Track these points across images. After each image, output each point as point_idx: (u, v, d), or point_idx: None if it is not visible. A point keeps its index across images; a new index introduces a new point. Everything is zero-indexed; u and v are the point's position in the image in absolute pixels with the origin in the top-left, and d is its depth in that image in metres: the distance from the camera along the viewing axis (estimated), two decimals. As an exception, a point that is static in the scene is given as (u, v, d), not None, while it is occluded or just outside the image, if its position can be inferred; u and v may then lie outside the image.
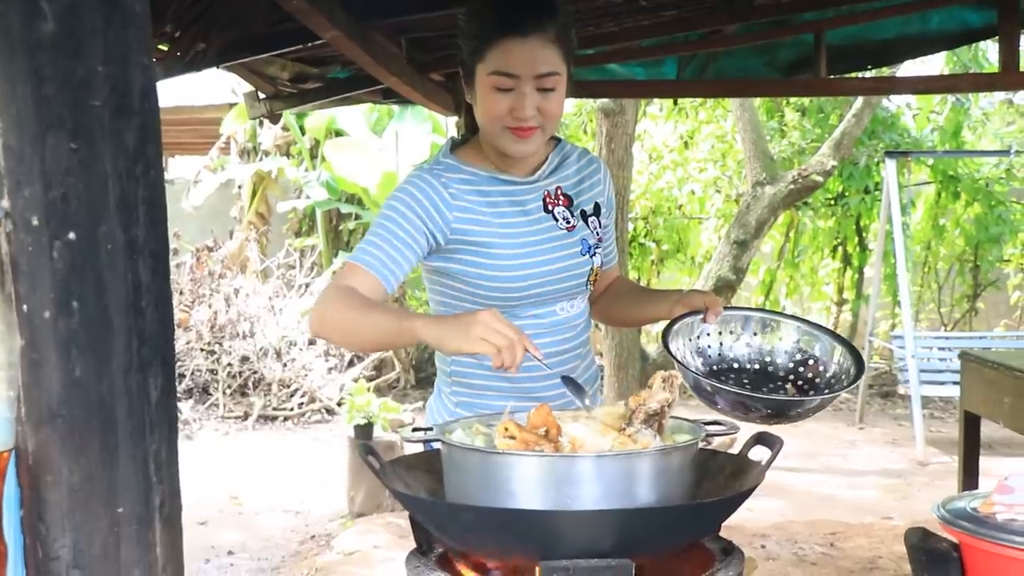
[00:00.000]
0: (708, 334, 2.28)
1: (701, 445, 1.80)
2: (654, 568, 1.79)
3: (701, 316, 2.24)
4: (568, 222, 2.27)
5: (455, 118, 4.88)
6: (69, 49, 1.24)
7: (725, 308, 2.28)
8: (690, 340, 2.27)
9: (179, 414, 8.63)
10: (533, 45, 2.07)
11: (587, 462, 1.58)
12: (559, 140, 2.36)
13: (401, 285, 2.34)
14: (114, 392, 1.31)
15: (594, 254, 2.29)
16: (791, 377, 2.25)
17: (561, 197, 2.29)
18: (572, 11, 2.20)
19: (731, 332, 2.30)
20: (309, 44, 3.55)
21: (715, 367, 2.27)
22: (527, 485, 1.57)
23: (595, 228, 2.32)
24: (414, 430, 1.79)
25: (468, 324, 1.83)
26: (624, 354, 7.05)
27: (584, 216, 2.31)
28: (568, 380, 2.02)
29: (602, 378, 7.65)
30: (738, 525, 5.45)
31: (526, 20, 2.07)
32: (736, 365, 2.28)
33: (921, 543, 1.78)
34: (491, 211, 2.21)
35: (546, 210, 2.26)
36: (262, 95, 4.53)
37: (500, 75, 2.08)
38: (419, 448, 2.08)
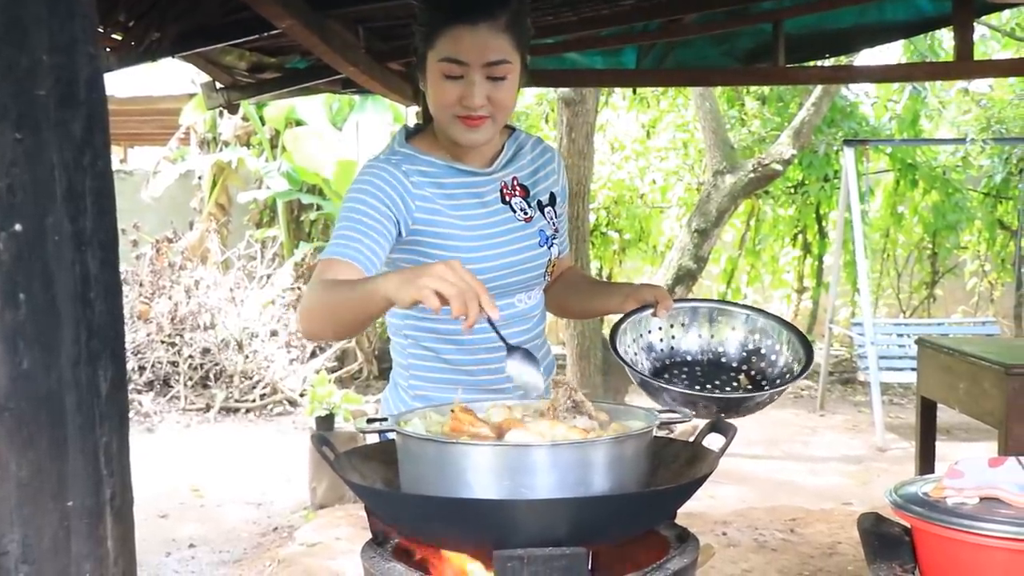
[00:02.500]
0: (660, 328, 2.29)
1: (657, 433, 1.81)
2: (609, 555, 1.80)
3: (651, 311, 2.23)
4: (525, 213, 2.26)
5: (415, 108, 4.87)
6: (13, 39, 1.23)
7: (675, 301, 2.27)
8: (640, 336, 2.27)
9: (140, 407, 8.59)
10: (483, 33, 2.05)
11: (541, 451, 1.59)
12: (514, 129, 2.35)
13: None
14: (63, 385, 1.29)
15: (551, 244, 2.29)
16: (744, 367, 2.26)
17: (517, 188, 2.28)
18: (526, 0, 2.18)
19: (681, 325, 2.30)
20: (265, 34, 3.52)
21: (667, 361, 2.27)
22: (481, 474, 1.57)
23: (551, 218, 2.31)
24: (369, 421, 1.78)
25: (419, 273, 1.75)
26: (586, 343, 7.07)
27: (540, 207, 2.30)
28: (518, 350, 1.92)
29: (559, 367, 7.68)
30: (699, 512, 5.49)
31: (476, 8, 2.06)
32: (688, 358, 2.29)
33: (874, 528, 1.80)
34: (449, 203, 2.19)
35: (503, 201, 2.25)
36: (220, 85, 4.49)
37: (449, 62, 2.07)
38: (377, 439, 2.08)
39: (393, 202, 2.12)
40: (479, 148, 2.22)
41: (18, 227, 1.25)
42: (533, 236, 2.25)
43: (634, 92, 10.49)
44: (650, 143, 11.40)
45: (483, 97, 2.08)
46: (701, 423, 1.95)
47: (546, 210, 2.31)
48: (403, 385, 2.31)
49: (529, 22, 2.17)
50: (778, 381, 2.19)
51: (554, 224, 2.32)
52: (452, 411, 1.75)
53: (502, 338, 1.86)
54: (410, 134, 2.30)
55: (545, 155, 2.37)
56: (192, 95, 10.18)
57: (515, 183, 2.28)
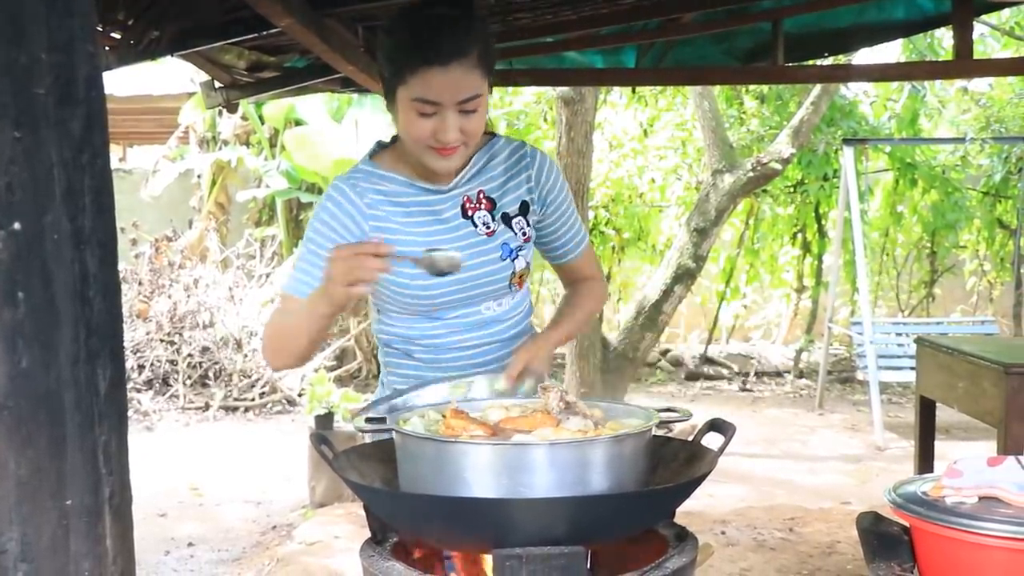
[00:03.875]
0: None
1: (656, 432, 1.81)
2: (608, 554, 1.80)
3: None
4: (488, 227, 2.25)
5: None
6: (11, 36, 1.23)
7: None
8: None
9: (139, 405, 8.59)
10: (455, 73, 2.04)
11: (540, 450, 1.59)
12: (493, 136, 2.34)
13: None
14: (62, 383, 1.29)
15: (516, 257, 2.26)
16: None
17: (483, 201, 2.26)
18: (490, 28, 2.19)
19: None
20: (265, 33, 3.52)
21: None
22: (480, 473, 1.58)
23: (521, 228, 2.28)
24: (367, 420, 1.78)
25: (325, 279, 1.98)
26: (585, 343, 7.06)
27: (507, 219, 2.27)
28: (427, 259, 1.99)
29: (559, 366, 7.67)
30: (698, 511, 5.48)
31: (448, 50, 2.03)
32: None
33: (872, 527, 1.80)
34: (406, 220, 2.22)
35: (465, 215, 2.24)
36: (219, 84, 4.48)
37: (422, 103, 2.06)
38: (378, 437, 2.09)
39: (345, 227, 2.19)
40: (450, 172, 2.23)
41: (17, 226, 1.25)
42: (494, 251, 2.24)
43: (633, 91, 10.50)
44: (649, 141, 11.39)
45: (456, 132, 2.08)
46: (700, 422, 1.95)
47: (514, 221, 2.28)
48: (385, 382, 2.39)
49: (493, 46, 2.17)
50: None
51: (524, 234, 2.29)
52: (443, 416, 1.75)
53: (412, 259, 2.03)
54: (376, 151, 2.31)
55: (521, 162, 2.32)
56: (191, 94, 10.18)
57: (480, 196, 2.26)
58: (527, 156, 2.33)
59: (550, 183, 2.34)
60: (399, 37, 2.10)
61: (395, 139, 2.30)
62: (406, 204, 2.23)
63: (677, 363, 11.53)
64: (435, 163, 2.15)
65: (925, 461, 5.23)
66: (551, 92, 9.07)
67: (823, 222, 11.39)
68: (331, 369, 9.39)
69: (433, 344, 2.29)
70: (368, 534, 1.83)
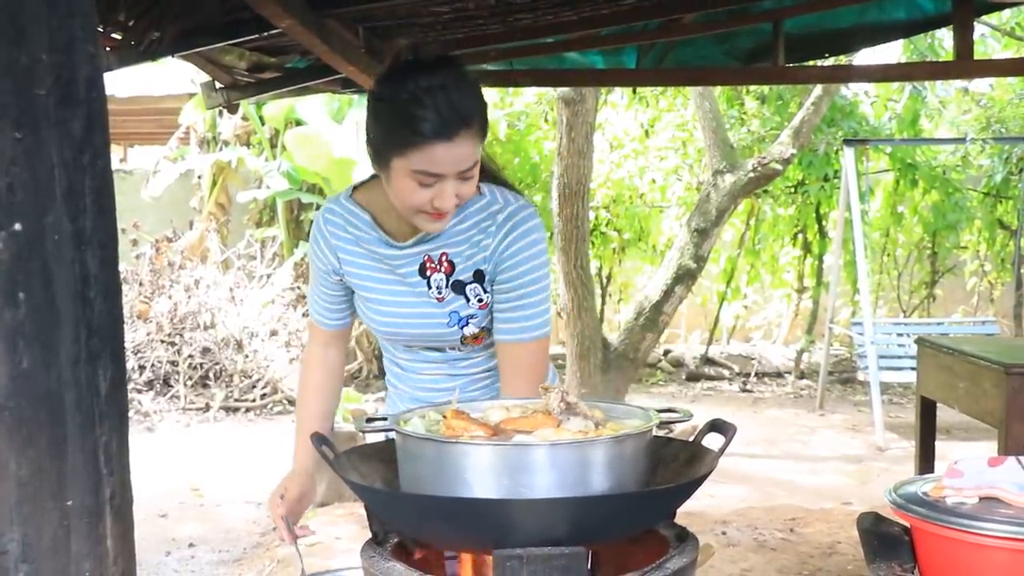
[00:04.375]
0: None
1: (657, 433, 1.81)
2: (608, 555, 1.80)
3: None
4: (440, 292, 2.19)
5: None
6: (12, 37, 1.23)
7: None
8: None
9: (139, 406, 8.59)
10: (459, 145, 1.98)
11: (541, 450, 1.59)
12: (480, 193, 2.19)
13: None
14: (62, 384, 1.29)
15: (466, 324, 2.20)
16: None
17: (444, 264, 2.19)
18: (480, 87, 2.09)
19: None
20: (265, 33, 3.52)
21: None
22: (481, 474, 1.57)
23: (476, 295, 2.19)
24: (368, 420, 1.78)
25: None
26: (586, 343, 7.06)
27: (459, 287, 2.19)
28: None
29: (559, 367, 7.66)
30: (699, 512, 5.49)
31: (453, 124, 1.97)
32: None
33: (873, 527, 1.80)
34: (368, 263, 2.25)
35: (423, 274, 2.20)
36: (219, 85, 4.49)
37: (425, 175, 2.00)
38: (379, 437, 2.09)
39: (325, 257, 2.30)
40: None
41: (18, 226, 1.25)
42: (443, 316, 2.21)
43: (634, 91, 10.50)
44: (649, 142, 11.39)
45: (453, 198, 2.03)
46: (700, 423, 1.94)
47: (468, 288, 2.19)
48: (388, 394, 2.50)
49: (485, 104, 2.09)
50: None
51: (480, 301, 2.19)
52: (444, 416, 1.75)
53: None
54: (360, 184, 2.31)
55: (488, 229, 2.17)
56: (192, 95, 10.18)
57: (443, 258, 2.20)
58: (495, 223, 2.17)
59: (507, 254, 2.17)
60: (398, 109, 2.01)
61: (376, 176, 2.21)
62: (369, 252, 2.25)
63: (678, 364, 11.53)
64: (428, 226, 2.11)
65: (926, 461, 5.23)
66: (552, 93, 9.07)
67: (824, 222, 11.39)
68: (332, 370, 9.38)
69: (405, 365, 2.37)
70: (369, 535, 1.83)
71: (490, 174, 2.23)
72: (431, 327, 2.22)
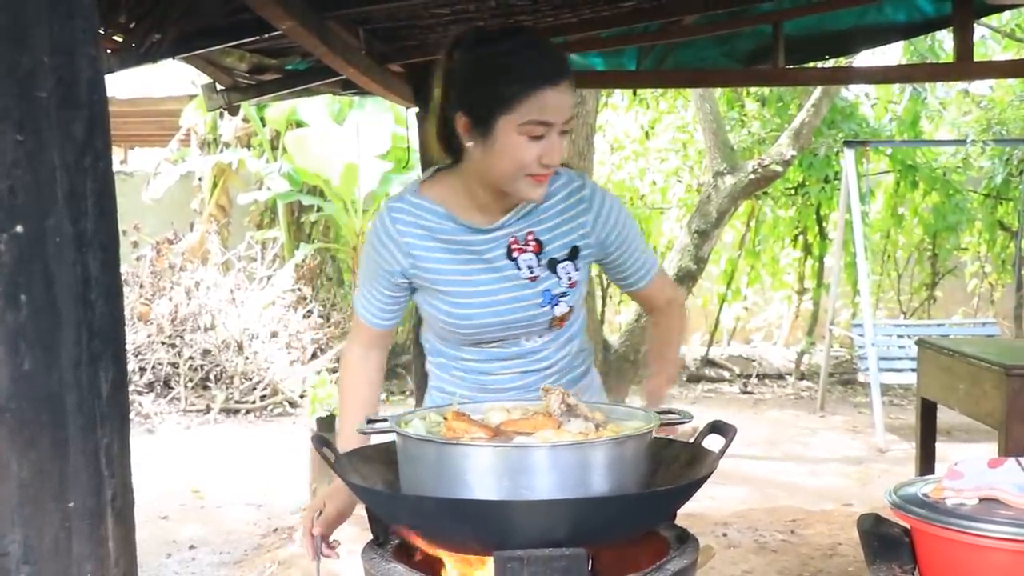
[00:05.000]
0: None
1: (658, 434, 1.81)
2: (609, 556, 1.80)
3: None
4: (531, 271, 2.20)
5: (415, 109, 4.87)
6: (13, 39, 1.23)
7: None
8: None
9: (140, 408, 8.59)
10: (564, 91, 2.04)
11: (541, 452, 1.59)
12: (555, 175, 2.22)
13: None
14: (64, 386, 1.30)
15: (558, 303, 2.21)
16: None
17: (531, 243, 2.20)
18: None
19: None
20: (266, 35, 3.53)
21: None
22: (481, 475, 1.58)
23: (567, 274, 2.22)
24: (369, 421, 1.79)
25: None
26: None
27: (552, 264, 2.21)
28: None
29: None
30: (700, 513, 5.49)
31: (556, 69, 2.04)
32: None
33: (873, 529, 1.81)
34: (447, 256, 2.21)
35: (510, 257, 2.20)
36: (220, 87, 4.50)
37: (534, 124, 2.02)
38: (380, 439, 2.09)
39: (385, 259, 2.24)
40: (496, 199, 2.18)
41: (19, 228, 1.25)
42: (535, 296, 2.20)
43: (634, 93, 10.50)
44: (650, 144, 11.39)
45: (560, 153, 2.06)
46: (701, 424, 1.95)
47: (560, 267, 2.21)
48: (430, 392, 2.43)
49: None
50: None
51: (571, 279, 2.22)
52: (445, 418, 1.75)
53: None
54: (426, 179, 2.29)
55: (580, 205, 2.24)
56: (192, 96, 10.18)
57: (529, 238, 2.21)
58: (585, 200, 2.24)
59: (609, 225, 2.26)
60: (502, 63, 2.05)
61: (439, 169, 2.26)
62: (448, 241, 2.21)
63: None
64: (531, 191, 2.10)
65: (926, 463, 5.23)
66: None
67: (824, 224, 11.39)
68: (333, 371, 9.38)
69: (473, 368, 2.30)
70: (370, 536, 1.83)
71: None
72: (523, 310, 2.21)
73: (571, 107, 2.07)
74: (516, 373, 2.27)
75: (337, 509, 2.14)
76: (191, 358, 9.41)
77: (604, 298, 11.21)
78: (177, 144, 11.10)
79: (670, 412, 1.87)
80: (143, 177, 11.35)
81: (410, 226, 2.21)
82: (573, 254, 2.23)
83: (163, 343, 9.44)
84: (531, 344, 2.26)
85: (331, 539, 2.16)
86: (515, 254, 2.20)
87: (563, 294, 2.22)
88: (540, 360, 2.28)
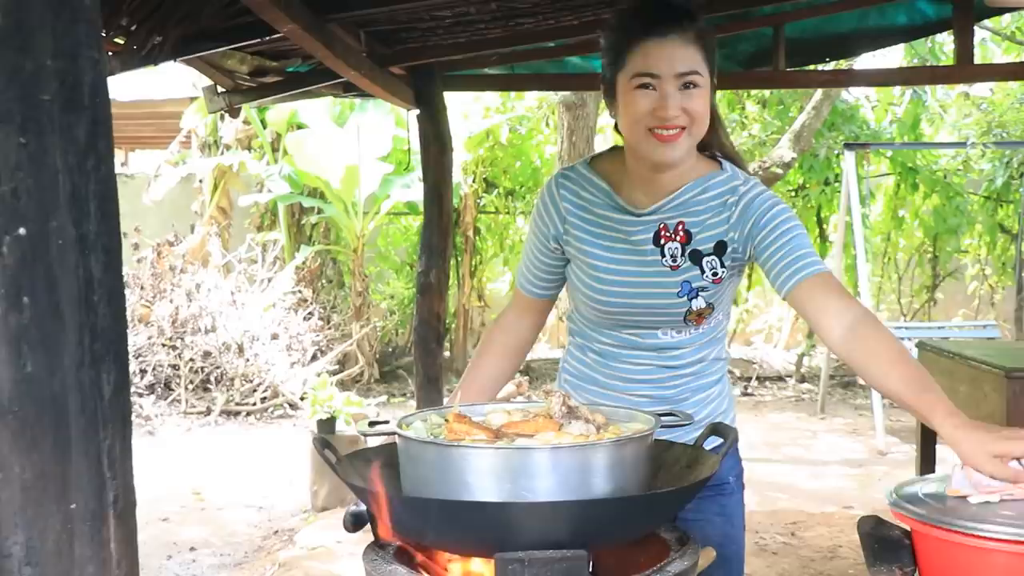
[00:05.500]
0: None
1: (659, 437, 1.81)
2: (610, 558, 1.80)
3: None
4: (674, 260, 2.19)
5: (416, 111, 4.87)
6: (17, 43, 1.23)
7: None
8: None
9: (141, 410, 8.59)
10: (673, 44, 2.06)
11: (543, 453, 1.59)
12: (720, 170, 2.23)
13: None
14: (66, 388, 1.30)
15: (696, 296, 2.19)
16: None
17: (680, 233, 2.19)
18: (711, 24, 2.21)
19: None
20: (267, 38, 3.53)
21: None
22: (482, 477, 1.58)
23: (712, 268, 2.19)
24: (371, 424, 1.79)
25: None
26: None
27: (697, 257, 2.19)
28: None
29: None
30: (700, 515, 5.48)
31: (664, 20, 2.08)
32: None
33: (874, 531, 1.80)
34: (596, 230, 2.25)
35: (657, 243, 2.20)
36: (221, 89, 4.50)
37: (641, 76, 2.07)
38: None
39: (545, 223, 2.31)
40: (655, 179, 2.18)
41: (22, 231, 1.25)
42: (674, 286, 2.19)
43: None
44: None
45: (677, 108, 2.06)
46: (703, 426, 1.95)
47: (705, 260, 2.18)
48: (561, 369, 2.46)
49: (714, 42, 2.17)
50: None
51: (715, 275, 2.19)
52: (446, 420, 1.75)
53: None
54: (602, 154, 2.36)
55: (729, 201, 2.19)
56: (193, 98, 10.19)
57: (680, 228, 2.20)
58: (737, 193, 2.19)
59: (753, 219, 2.16)
60: (618, 23, 2.17)
61: (618, 147, 2.31)
62: (599, 216, 2.24)
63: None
64: (656, 151, 2.10)
65: (927, 465, 5.24)
66: (553, 97, 9.08)
67: (824, 226, 11.40)
68: (333, 374, 9.39)
69: (609, 352, 2.30)
70: (371, 538, 1.84)
71: (729, 156, 2.29)
72: (658, 296, 2.20)
73: (686, 60, 2.07)
74: (648, 365, 2.26)
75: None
76: (192, 360, 9.42)
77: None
78: (178, 146, 11.12)
79: (671, 415, 1.88)
80: (144, 179, 11.37)
81: (572, 194, 2.28)
82: (720, 249, 2.19)
83: (164, 345, 9.45)
84: (667, 338, 2.25)
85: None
86: (662, 241, 2.20)
87: (703, 288, 2.20)
88: (675, 358, 2.26)
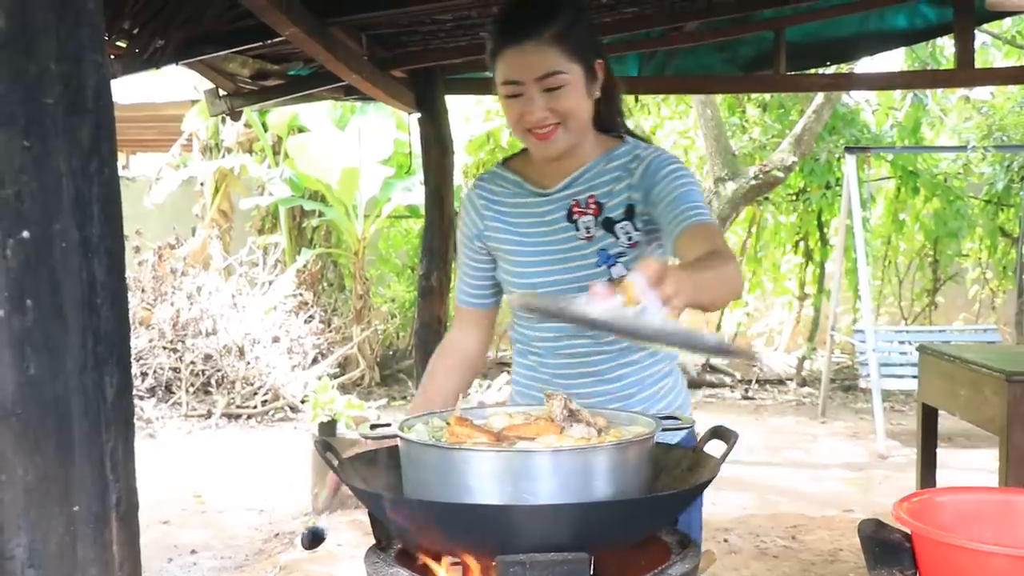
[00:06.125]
0: None
1: (660, 440, 1.81)
2: (611, 561, 1.80)
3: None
4: (588, 232, 2.24)
5: (417, 114, 4.88)
6: (21, 47, 1.24)
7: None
8: None
9: (142, 413, 8.59)
10: (528, 50, 2.11)
11: (544, 456, 1.60)
12: (623, 141, 2.30)
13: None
14: (69, 390, 1.30)
15: (615, 263, 2.21)
16: None
17: (591, 206, 2.25)
18: (580, 9, 2.23)
19: None
20: (269, 41, 3.54)
21: None
22: (484, 480, 1.58)
23: (626, 233, 2.22)
24: (373, 427, 1.79)
25: None
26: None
27: (609, 224, 2.23)
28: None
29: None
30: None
31: (517, 28, 2.12)
32: None
33: (874, 534, 1.81)
34: (515, 220, 2.32)
35: (570, 219, 2.26)
36: (223, 92, 4.51)
37: (506, 84, 2.15)
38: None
39: (469, 229, 2.38)
40: (558, 163, 2.25)
41: (26, 234, 1.26)
42: (591, 256, 2.23)
43: (636, 99, 10.52)
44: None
45: (542, 110, 2.13)
46: (702, 430, 1.95)
47: (618, 226, 2.23)
48: (512, 380, 2.49)
49: (588, 31, 2.21)
50: None
51: (630, 239, 2.21)
52: (448, 423, 1.76)
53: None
54: (513, 155, 2.42)
55: (631, 164, 2.24)
56: (195, 101, 10.19)
57: (591, 200, 2.25)
58: (637, 159, 2.25)
59: (648, 176, 2.21)
60: (488, 35, 2.21)
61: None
62: (513, 205, 2.33)
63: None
64: (536, 149, 2.22)
65: (927, 469, 5.23)
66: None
67: (825, 230, 11.40)
68: (334, 377, 9.40)
69: (543, 347, 2.34)
70: (372, 541, 1.84)
71: (630, 133, 2.36)
72: (577, 270, 2.23)
73: (544, 63, 2.10)
74: (588, 354, 2.27)
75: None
76: (193, 363, 9.42)
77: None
78: (179, 149, 11.12)
79: (672, 418, 1.88)
80: (145, 182, 11.37)
81: (487, 191, 2.37)
82: (629, 213, 2.23)
83: (165, 348, 9.45)
84: None
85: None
86: (575, 216, 2.26)
87: (621, 254, 2.22)
88: (614, 341, 2.25)
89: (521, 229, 2.31)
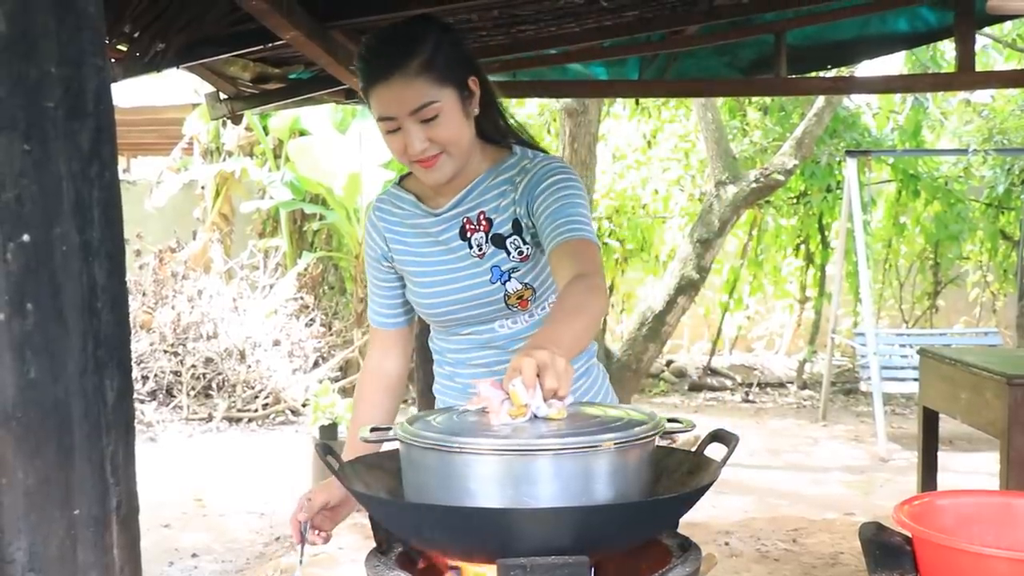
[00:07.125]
0: None
1: (660, 443, 1.81)
2: (612, 564, 1.80)
3: None
4: (480, 249, 2.25)
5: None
6: (21, 50, 1.24)
7: None
8: None
9: (143, 416, 8.59)
10: (396, 85, 2.08)
11: (545, 459, 1.59)
12: (511, 152, 2.29)
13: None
14: (70, 394, 1.30)
15: (508, 279, 2.22)
16: None
17: (483, 222, 2.26)
18: (444, 30, 2.17)
19: None
20: (269, 45, 3.54)
21: None
22: (484, 483, 1.58)
23: (517, 248, 2.22)
24: (372, 430, 1.79)
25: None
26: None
27: (500, 240, 2.24)
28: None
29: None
30: (702, 522, 5.49)
31: (383, 63, 2.09)
32: None
33: (875, 537, 1.81)
34: (413, 240, 2.32)
35: (464, 237, 2.26)
36: (223, 96, 4.50)
37: (382, 120, 2.13)
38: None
39: (373, 249, 2.39)
40: (449, 184, 2.24)
41: (26, 237, 1.26)
42: (484, 273, 2.24)
43: (636, 103, 10.52)
44: (652, 153, 11.40)
45: (422, 141, 2.11)
46: (703, 433, 1.95)
47: (508, 241, 2.23)
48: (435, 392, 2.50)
49: (455, 51, 2.15)
50: None
51: (521, 254, 2.22)
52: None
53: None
54: (408, 173, 2.37)
55: (517, 177, 2.24)
56: (195, 105, 10.19)
57: (481, 217, 2.26)
58: (522, 172, 2.23)
59: (530, 189, 2.19)
60: (357, 67, 2.18)
61: None
62: (411, 226, 2.33)
63: (680, 374, 11.53)
64: (424, 176, 2.20)
65: (928, 472, 5.23)
66: (555, 104, 9.09)
67: (826, 233, 11.40)
68: (335, 380, 9.40)
69: (455, 359, 2.37)
70: (372, 544, 1.84)
71: (527, 144, 2.34)
72: (474, 288, 2.24)
73: (415, 96, 2.07)
74: (497, 364, 2.28)
75: (324, 499, 2.22)
76: (193, 366, 9.42)
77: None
78: (180, 153, 11.12)
79: (672, 421, 1.88)
80: (146, 186, 11.37)
81: (387, 213, 2.36)
82: (516, 227, 2.23)
83: (165, 351, 9.45)
84: (504, 330, 2.28)
85: (329, 533, 2.27)
86: (468, 234, 2.26)
87: (514, 269, 2.23)
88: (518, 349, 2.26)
89: (420, 249, 2.31)
